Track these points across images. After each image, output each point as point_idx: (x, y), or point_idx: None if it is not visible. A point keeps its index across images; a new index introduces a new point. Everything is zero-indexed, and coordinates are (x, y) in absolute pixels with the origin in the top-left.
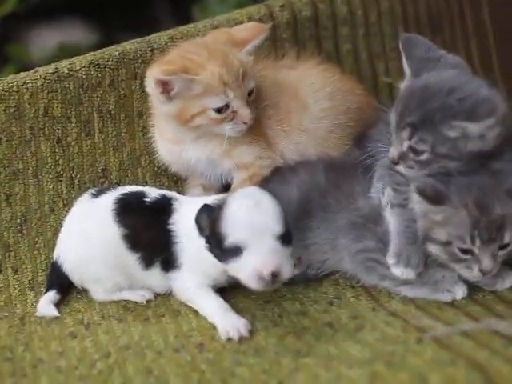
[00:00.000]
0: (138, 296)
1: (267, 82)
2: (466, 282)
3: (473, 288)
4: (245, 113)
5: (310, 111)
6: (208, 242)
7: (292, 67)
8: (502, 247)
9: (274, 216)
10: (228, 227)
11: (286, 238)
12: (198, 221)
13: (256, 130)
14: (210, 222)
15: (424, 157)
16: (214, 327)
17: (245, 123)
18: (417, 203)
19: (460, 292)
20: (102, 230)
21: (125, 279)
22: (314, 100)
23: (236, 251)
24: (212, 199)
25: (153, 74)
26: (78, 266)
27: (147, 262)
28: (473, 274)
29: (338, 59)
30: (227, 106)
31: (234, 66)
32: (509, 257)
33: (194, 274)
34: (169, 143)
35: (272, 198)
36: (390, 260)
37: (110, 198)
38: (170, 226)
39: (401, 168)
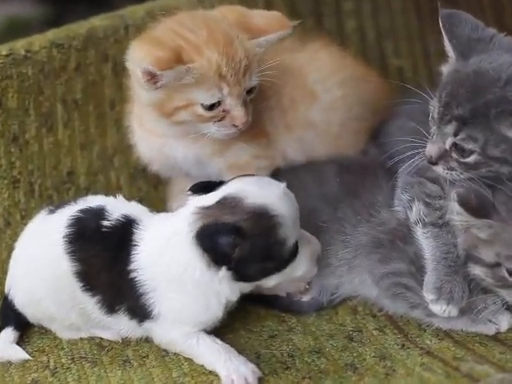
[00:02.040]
0: (112, 333)
1: (268, 66)
2: (510, 310)
3: None
4: (238, 115)
5: (318, 101)
6: (238, 265)
7: (296, 50)
8: None
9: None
10: (287, 228)
11: None
12: (212, 248)
13: (254, 126)
14: (240, 240)
15: (471, 158)
16: (210, 371)
17: (236, 126)
18: (457, 215)
19: (505, 323)
20: (53, 261)
21: (86, 321)
22: (324, 88)
23: (296, 248)
24: (189, 218)
25: (140, 59)
26: (28, 303)
27: (109, 308)
28: None
29: (341, 39)
30: (219, 103)
31: (236, 55)
32: None
33: (177, 325)
34: (150, 135)
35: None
36: (429, 296)
37: (63, 217)
38: (131, 273)
39: (439, 169)
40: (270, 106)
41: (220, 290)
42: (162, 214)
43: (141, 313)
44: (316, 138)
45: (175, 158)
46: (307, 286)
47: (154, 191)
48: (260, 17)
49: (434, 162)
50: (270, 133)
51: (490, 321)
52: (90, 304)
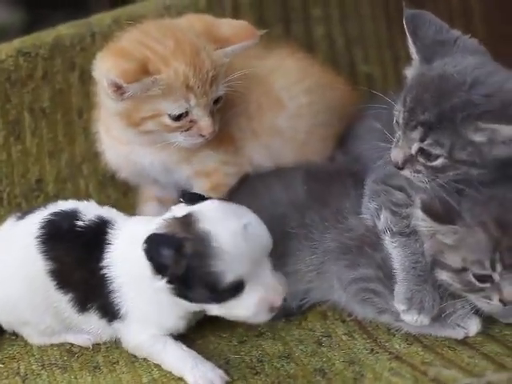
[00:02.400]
0: (83, 339)
1: (235, 72)
2: (478, 314)
3: (486, 322)
4: (205, 125)
5: (284, 109)
6: (174, 281)
7: (263, 57)
8: None
9: (266, 231)
10: (226, 264)
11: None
12: (153, 257)
13: (221, 133)
14: (181, 258)
15: (438, 162)
16: (179, 377)
17: (202, 136)
18: (422, 221)
19: (474, 327)
20: (25, 263)
21: (58, 323)
22: (290, 95)
23: (237, 288)
24: (158, 224)
25: (106, 70)
26: (1, 309)
27: (81, 306)
28: (492, 306)
29: (309, 45)
30: (186, 113)
31: (203, 66)
32: None
33: (143, 326)
34: (116, 142)
35: (248, 209)
36: (401, 306)
37: (35, 220)
38: (102, 270)
39: (406, 172)
40: (237, 113)
41: (170, 300)
42: (140, 217)
43: (110, 311)
44: (283, 144)
45: (142, 165)
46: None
47: (123, 198)
48: (227, 26)
49: (400, 167)
50: (236, 139)
51: (459, 325)
52: (63, 303)
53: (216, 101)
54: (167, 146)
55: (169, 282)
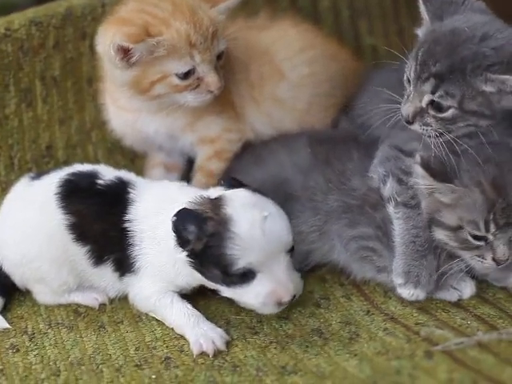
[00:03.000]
0: (90, 299)
1: (238, 44)
2: (473, 277)
3: (481, 285)
4: (212, 80)
5: (286, 79)
6: (193, 257)
7: (265, 28)
8: None
9: (286, 226)
10: (239, 249)
11: (292, 248)
12: (179, 231)
13: (223, 99)
14: (203, 235)
15: (449, 113)
16: (181, 336)
17: (211, 92)
18: (421, 179)
19: (468, 290)
20: (44, 219)
21: (73, 278)
22: (291, 66)
23: (247, 276)
24: (192, 197)
25: (111, 38)
26: (17, 265)
27: (97, 258)
28: (485, 264)
29: (315, 18)
30: (193, 71)
31: (203, 23)
32: None
33: (154, 281)
34: (122, 111)
35: (275, 204)
36: (398, 280)
37: (52, 179)
38: (125, 224)
39: (415, 126)
40: (238, 81)
41: (186, 269)
42: (169, 182)
43: (125, 264)
44: (284, 113)
45: (147, 132)
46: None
47: (131, 164)
48: None
49: (410, 121)
50: (238, 106)
51: (454, 288)
52: (80, 255)
53: (218, 56)
54: (172, 112)
55: (188, 255)
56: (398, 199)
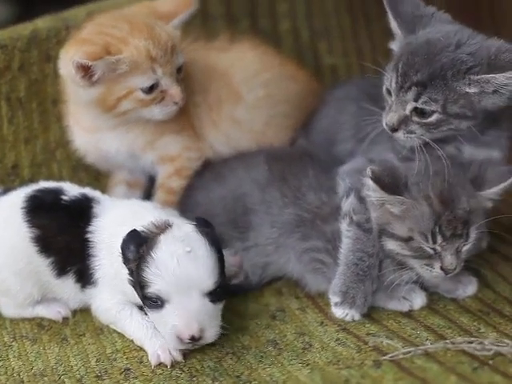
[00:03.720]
0: (54, 313)
1: (196, 65)
2: (424, 289)
3: (432, 297)
4: (176, 91)
5: (243, 101)
6: (131, 274)
7: (224, 49)
8: (466, 243)
9: (207, 270)
10: (152, 274)
11: (216, 295)
12: (123, 249)
13: (183, 118)
14: (137, 256)
15: (433, 118)
16: (141, 348)
17: (176, 103)
18: (372, 191)
19: (418, 300)
20: (10, 232)
21: (37, 290)
22: (248, 88)
23: (157, 302)
24: (146, 222)
25: (71, 57)
26: None
27: (60, 270)
28: (433, 273)
29: (275, 39)
30: (156, 84)
31: (161, 38)
32: (471, 253)
33: (113, 293)
34: (85, 132)
35: (210, 246)
36: (334, 298)
37: (19, 195)
38: (87, 235)
39: (399, 134)
40: (197, 102)
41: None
42: (130, 201)
43: (85, 276)
44: (241, 134)
45: (109, 151)
46: (237, 270)
47: (95, 182)
48: (165, 3)
49: (395, 129)
50: (197, 127)
51: (405, 298)
52: (43, 266)
53: (178, 70)
54: (132, 129)
55: (128, 273)
56: (354, 218)
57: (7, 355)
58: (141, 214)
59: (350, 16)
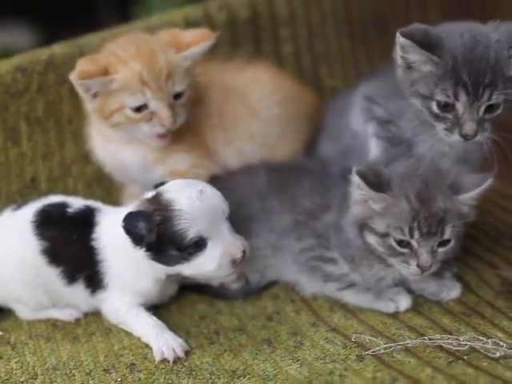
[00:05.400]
0: (66, 314)
1: (213, 86)
2: (410, 293)
3: (418, 300)
4: (164, 115)
5: (259, 117)
6: (150, 249)
7: (241, 70)
8: (442, 244)
9: (221, 196)
10: (185, 222)
11: (230, 215)
12: (131, 230)
13: (196, 139)
14: (153, 226)
15: (500, 109)
16: (146, 345)
17: (164, 126)
18: (356, 187)
19: (404, 302)
20: (21, 245)
21: (48, 298)
22: (264, 105)
23: (200, 244)
24: (133, 206)
25: (73, 73)
26: None
27: (69, 278)
28: (410, 270)
29: (279, 61)
30: (145, 106)
31: (158, 65)
32: (448, 256)
33: (123, 294)
34: (105, 142)
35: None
36: None
37: (30, 210)
38: (92, 242)
39: (478, 138)
40: (212, 124)
41: (148, 266)
42: (122, 207)
43: (95, 281)
44: (255, 148)
45: (123, 163)
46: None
47: (108, 196)
48: (188, 34)
49: (474, 135)
50: (212, 147)
51: (391, 299)
52: (53, 276)
53: (178, 96)
54: (146, 144)
55: (146, 250)
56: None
57: (23, 352)
58: (122, 214)
59: (349, 41)
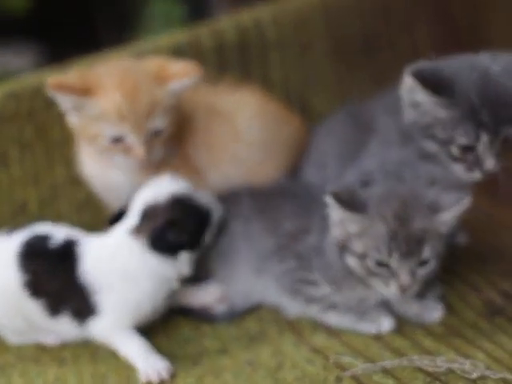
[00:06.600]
0: (52, 338)
1: (199, 107)
2: (394, 314)
3: (401, 321)
4: (138, 152)
5: (245, 140)
6: (191, 243)
7: (228, 93)
8: (422, 263)
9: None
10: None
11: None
12: (166, 249)
13: (183, 163)
14: (179, 225)
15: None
16: (132, 368)
17: (138, 161)
18: (332, 209)
19: (386, 324)
20: (4, 274)
21: (28, 327)
22: (250, 129)
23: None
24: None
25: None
26: None
27: (53, 310)
28: (390, 290)
29: (266, 86)
30: (122, 138)
31: (140, 99)
32: (429, 276)
33: (117, 318)
34: (92, 161)
35: None
36: None
37: (17, 239)
38: (79, 277)
39: (496, 168)
40: (198, 145)
41: (171, 272)
42: (97, 235)
43: (84, 311)
44: (239, 170)
45: (111, 183)
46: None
47: (98, 219)
48: (176, 65)
49: (495, 168)
50: (199, 169)
51: (374, 321)
52: (34, 308)
53: (157, 132)
54: (132, 167)
55: (188, 249)
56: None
57: (11, 374)
58: (115, 240)
59: (337, 66)
